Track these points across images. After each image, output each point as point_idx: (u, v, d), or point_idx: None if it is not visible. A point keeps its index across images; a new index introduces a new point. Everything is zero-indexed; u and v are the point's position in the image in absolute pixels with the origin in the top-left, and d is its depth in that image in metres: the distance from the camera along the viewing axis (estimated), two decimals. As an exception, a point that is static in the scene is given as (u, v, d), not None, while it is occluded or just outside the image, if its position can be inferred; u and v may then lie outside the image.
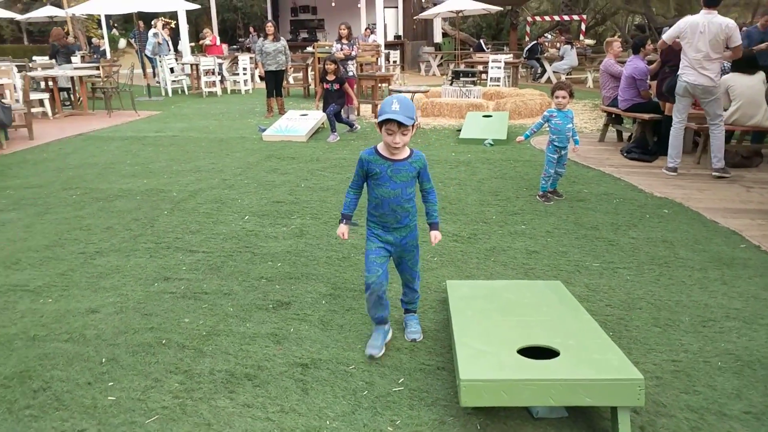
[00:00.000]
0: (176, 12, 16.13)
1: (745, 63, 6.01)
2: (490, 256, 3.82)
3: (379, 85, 10.74)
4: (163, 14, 17.41)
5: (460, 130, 8.16)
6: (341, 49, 9.51)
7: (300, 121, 8.65)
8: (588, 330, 2.43)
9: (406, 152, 2.52)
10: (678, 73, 5.69)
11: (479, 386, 2.00)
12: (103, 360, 2.58)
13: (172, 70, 14.40)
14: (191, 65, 14.97)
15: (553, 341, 2.30)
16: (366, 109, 10.74)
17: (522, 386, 2.00)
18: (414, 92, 8.80)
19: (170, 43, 16.00)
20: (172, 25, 17.85)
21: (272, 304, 3.14)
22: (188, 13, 16.37)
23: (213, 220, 4.59)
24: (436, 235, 2.70)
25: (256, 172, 6.22)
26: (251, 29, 20.13)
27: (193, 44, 17.94)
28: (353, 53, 9.78)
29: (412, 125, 2.39)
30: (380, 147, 2.51)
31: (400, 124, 2.35)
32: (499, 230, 4.32)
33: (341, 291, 3.31)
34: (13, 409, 2.25)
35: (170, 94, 14.00)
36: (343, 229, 2.62)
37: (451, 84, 11.50)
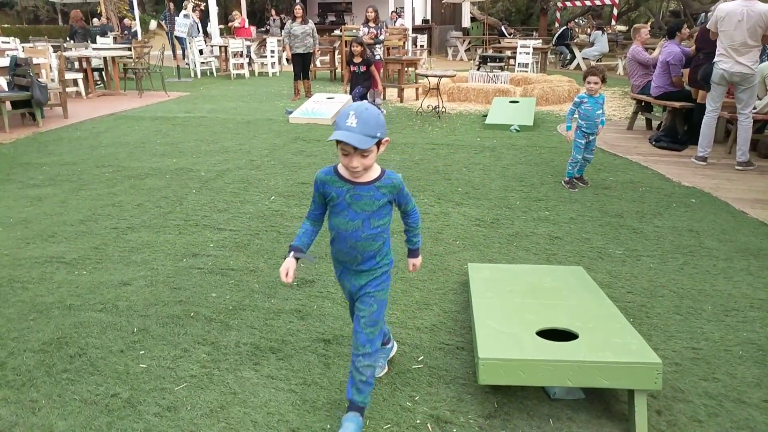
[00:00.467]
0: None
1: None
2: (512, 241, 3.84)
3: (406, 69, 10.71)
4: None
5: (486, 116, 8.11)
6: (368, 32, 9.50)
7: (326, 104, 8.69)
8: (608, 315, 2.45)
9: (373, 173, 1.94)
10: (714, 60, 5.55)
11: (497, 365, 2.05)
12: (135, 330, 2.69)
13: (201, 52, 14.56)
14: (220, 47, 15.11)
15: (572, 324, 2.32)
16: (392, 93, 10.73)
17: (540, 366, 2.03)
18: (440, 76, 8.76)
19: (200, 25, 16.16)
20: (202, 7, 18.00)
21: (296, 281, 3.22)
22: (218, -5, 16.47)
23: (240, 200, 4.69)
24: (414, 263, 2.24)
25: (282, 153, 6.30)
26: (273, 12, 20.10)
27: (222, 26, 18.07)
28: (381, 37, 9.77)
29: (377, 142, 1.84)
30: (340, 166, 1.94)
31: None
32: (522, 215, 4.32)
33: (364, 271, 3.36)
34: (52, 372, 2.37)
35: (199, 75, 14.17)
36: (288, 264, 1.96)
37: (478, 69, 11.40)
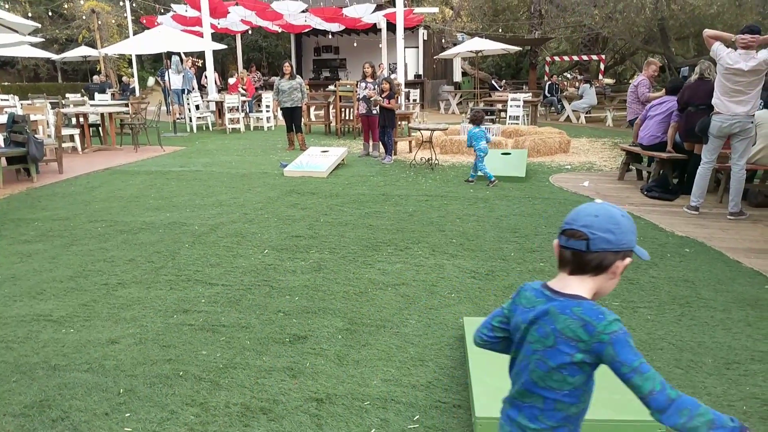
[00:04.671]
0: (204, 51, 16.69)
1: None
2: (508, 294, 3.80)
3: (399, 122, 10.90)
4: (191, 54, 18.04)
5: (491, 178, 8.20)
6: (366, 88, 9.73)
7: (321, 157, 8.79)
8: (607, 370, 2.39)
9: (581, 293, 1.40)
10: (712, 112, 5.62)
11: (495, 424, 1.97)
12: (121, 390, 2.61)
13: (197, 107, 14.83)
14: (216, 102, 15.42)
15: (571, 380, 2.26)
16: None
17: (539, 426, 1.96)
18: (433, 129, 8.91)
19: (194, 80, 16.54)
20: (199, 64, 18.47)
21: (289, 338, 3.15)
22: (215, 52, 16.92)
23: (233, 254, 4.65)
24: None
25: (276, 206, 6.31)
26: (251, 68, 20.37)
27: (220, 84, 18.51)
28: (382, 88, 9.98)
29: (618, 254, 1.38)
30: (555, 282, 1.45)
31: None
32: (517, 267, 4.30)
33: (358, 326, 3.31)
34: (32, 437, 2.27)
35: (195, 130, 14.37)
36: None
37: (470, 122, 11.60)
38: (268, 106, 14.80)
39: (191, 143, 12.07)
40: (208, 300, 3.70)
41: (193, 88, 15.49)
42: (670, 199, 6.52)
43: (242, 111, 14.62)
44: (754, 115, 5.48)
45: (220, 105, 15.30)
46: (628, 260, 1.38)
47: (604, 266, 1.37)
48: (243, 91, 15.68)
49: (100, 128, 12.00)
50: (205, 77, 16.86)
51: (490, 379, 2.28)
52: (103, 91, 16.64)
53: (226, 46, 18.00)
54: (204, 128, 14.94)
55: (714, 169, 6.36)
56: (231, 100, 14.31)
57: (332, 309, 3.55)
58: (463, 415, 2.42)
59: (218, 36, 20.94)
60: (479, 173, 7.60)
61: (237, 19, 18.79)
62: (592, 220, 1.35)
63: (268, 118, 14.92)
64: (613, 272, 1.38)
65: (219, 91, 17.35)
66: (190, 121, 14.49)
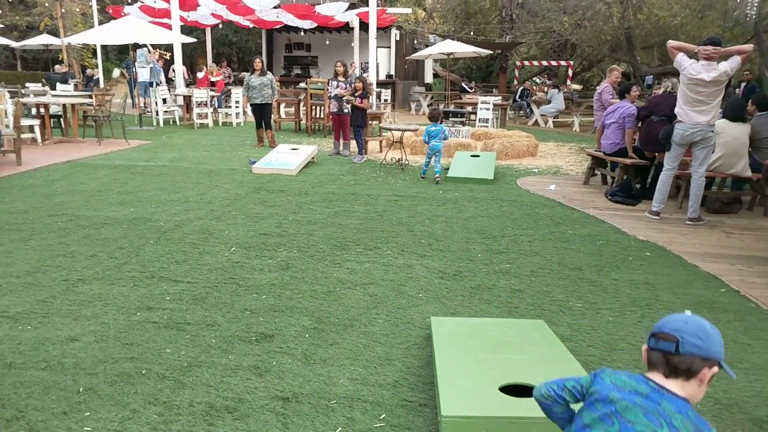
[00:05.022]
0: (172, 44, 16.37)
1: (735, 111, 6.22)
2: (474, 294, 3.84)
3: (370, 122, 10.90)
4: (159, 46, 17.69)
5: (448, 169, 8.27)
6: (337, 87, 9.69)
7: (290, 155, 8.73)
8: (570, 370, 2.45)
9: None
10: (675, 121, 5.79)
11: (460, 423, 2.00)
12: (81, 389, 2.54)
13: (164, 100, 14.54)
14: (184, 96, 15.14)
15: (535, 380, 2.31)
16: (354, 145, 10.86)
17: (503, 423, 2.00)
18: (404, 130, 8.94)
19: (162, 73, 16.22)
20: (167, 57, 18.11)
21: (255, 336, 3.12)
22: (183, 45, 16.61)
23: (199, 251, 4.58)
24: None
25: (244, 203, 6.24)
26: (222, 63, 19.93)
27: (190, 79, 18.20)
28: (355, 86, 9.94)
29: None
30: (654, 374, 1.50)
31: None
32: (484, 268, 4.35)
33: (325, 325, 3.30)
34: (-15, 437, 2.20)
35: (161, 124, 14.08)
36: None
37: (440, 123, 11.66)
38: (237, 102, 14.62)
39: (157, 137, 11.83)
40: (173, 297, 3.64)
41: (161, 81, 15.18)
42: (633, 204, 6.70)
43: (211, 106, 14.40)
44: (714, 125, 5.67)
45: (188, 99, 15.04)
46: (715, 369, 1.44)
47: (693, 371, 1.43)
48: (215, 79, 15.47)
49: (61, 119, 11.65)
50: (173, 70, 16.55)
51: (457, 379, 2.30)
52: (65, 82, 16.15)
53: (195, 40, 17.69)
54: (171, 122, 14.64)
55: (674, 176, 6.57)
56: (200, 94, 14.07)
57: (300, 308, 3.53)
58: (429, 413, 2.44)
59: (187, 29, 20.57)
60: (437, 168, 7.87)
61: (207, 12, 18.47)
62: (681, 326, 1.45)
63: (237, 114, 14.73)
64: (701, 379, 1.44)
65: (187, 85, 17.06)
66: (157, 114, 14.19)
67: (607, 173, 7.82)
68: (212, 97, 14.60)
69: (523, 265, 4.43)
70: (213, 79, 15.73)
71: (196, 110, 13.96)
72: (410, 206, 6.30)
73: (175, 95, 15.26)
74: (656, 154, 6.72)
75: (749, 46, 5.88)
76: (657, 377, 1.47)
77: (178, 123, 14.64)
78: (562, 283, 4.07)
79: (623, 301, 3.78)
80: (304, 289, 3.82)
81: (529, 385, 2.27)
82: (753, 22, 9.00)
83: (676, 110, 5.74)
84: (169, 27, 15.75)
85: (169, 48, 16.87)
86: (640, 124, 7.14)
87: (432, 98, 20.81)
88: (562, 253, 4.77)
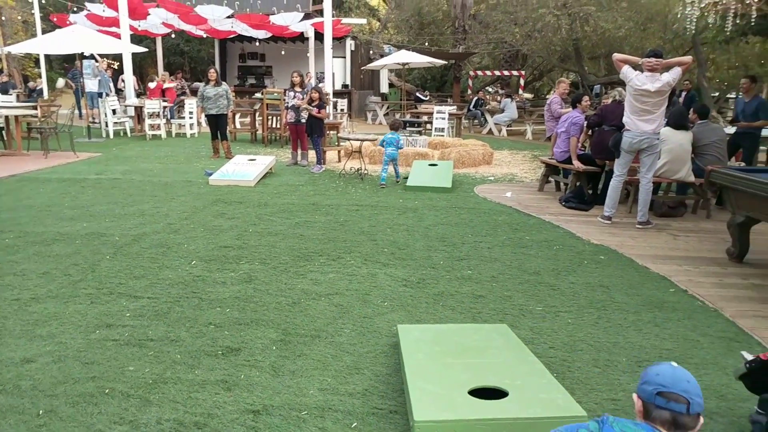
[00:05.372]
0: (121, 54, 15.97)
1: (678, 120, 6.56)
2: (438, 301, 3.91)
3: (328, 132, 10.91)
4: (107, 56, 17.21)
5: (407, 178, 8.37)
6: (294, 97, 9.67)
7: (248, 165, 8.64)
8: (534, 371, 2.53)
9: None
10: (623, 130, 6.05)
11: (432, 427, 2.05)
12: (41, 412, 2.46)
13: (114, 111, 14.15)
14: (134, 107, 14.77)
15: (501, 382, 2.38)
16: (313, 155, 10.85)
17: (474, 426, 2.05)
18: (363, 140, 9.00)
19: (111, 83, 15.77)
20: (115, 66, 17.64)
21: (221, 350, 3.09)
22: (133, 55, 16.23)
23: (158, 265, 4.49)
24: None
25: (202, 216, 6.15)
26: (177, 74, 19.15)
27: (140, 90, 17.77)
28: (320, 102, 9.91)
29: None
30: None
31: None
32: (446, 275, 4.43)
33: (292, 337, 3.29)
34: (-61, 467, 2.10)
35: (111, 135, 13.69)
36: None
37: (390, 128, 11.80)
38: (191, 113, 14.37)
39: (108, 149, 11.49)
40: (134, 314, 3.55)
41: (111, 91, 14.77)
42: (586, 210, 6.94)
43: (163, 117, 14.10)
44: (659, 133, 5.96)
45: (139, 110, 14.68)
46: (702, 420, 1.63)
47: (693, 426, 1.62)
48: (168, 86, 15.21)
49: (3, 132, 11.17)
50: (122, 81, 16.13)
51: (426, 385, 2.35)
52: (6, 92, 15.49)
53: (146, 50, 17.31)
54: (122, 134, 14.26)
55: (624, 182, 6.85)
56: (152, 105, 13.77)
57: (265, 320, 3.51)
58: (400, 420, 2.48)
59: (137, 38, 20.09)
60: (396, 173, 8.48)
61: (158, 21, 18.12)
62: (687, 386, 1.63)
63: (191, 125, 14.48)
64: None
65: (138, 96, 16.66)
66: (107, 126, 13.79)
67: (561, 180, 8.08)
68: (165, 107, 14.31)
69: (484, 271, 4.53)
70: (166, 85, 15.42)
71: (148, 121, 13.64)
72: (371, 215, 6.34)
73: (126, 106, 14.88)
74: (606, 161, 7.00)
75: (688, 58, 6.22)
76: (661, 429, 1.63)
77: (129, 134, 14.27)
78: (522, 288, 4.19)
79: (581, 303, 3.92)
80: (268, 302, 3.80)
81: (498, 388, 2.33)
82: (691, 34, 9.55)
83: (624, 119, 6.00)
84: (118, 36, 15.37)
85: (117, 57, 16.43)
86: (590, 133, 7.42)
87: (388, 108, 20.99)
88: (521, 258, 4.91)
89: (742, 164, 7.71)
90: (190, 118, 14.39)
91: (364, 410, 2.55)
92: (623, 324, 3.60)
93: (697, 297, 4.10)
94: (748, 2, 6.75)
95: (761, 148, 9.23)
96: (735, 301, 4.04)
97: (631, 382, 2.88)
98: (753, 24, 7.56)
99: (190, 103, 14.41)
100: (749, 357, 2.43)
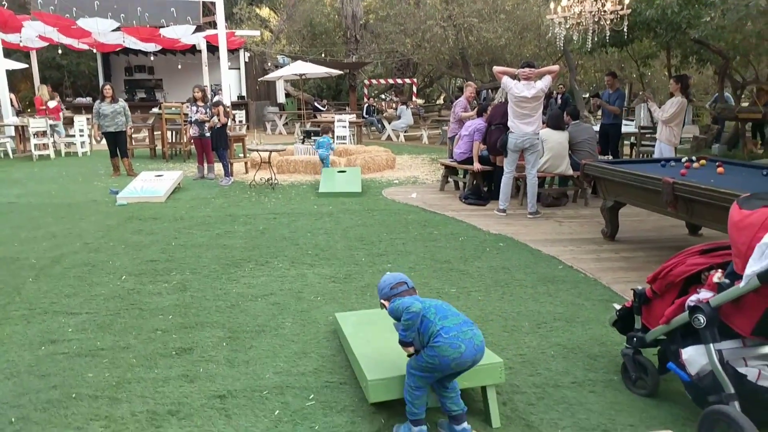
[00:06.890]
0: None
1: (556, 122, 7.51)
2: (366, 292, 4.35)
3: (234, 143, 11.00)
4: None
5: (318, 186, 8.74)
6: (197, 111, 9.70)
7: (156, 181, 8.59)
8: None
9: None
10: (508, 131, 6.85)
11: (383, 383, 2.48)
12: (13, 419, 2.59)
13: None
14: (16, 127, 13.87)
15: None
16: (220, 168, 10.89)
17: (416, 379, 2.50)
18: (272, 151, 9.25)
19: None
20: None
21: (175, 351, 3.32)
22: (7, 72, 15.19)
23: (88, 283, 4.54)
24: None
25: (119, 233, 6.15)
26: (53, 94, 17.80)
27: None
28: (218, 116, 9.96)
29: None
30: None
31: None
32: (369, 270, 4.88)
33: (239, 333, 3.58)
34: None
35: (-7, 158, 12.79)
36: None
37: (302, 143, 12.14)
38: (81, 130, 13.76)
39: (-7, 173, 10.79)
40: (76, 328, 3.66)
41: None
42: (483, 204, 7.71)
43: (52, 135, 13.39)
44: (539, 133, 6.83)
45: (21, 129, 13.81)
46: (386, 303, 2.70)
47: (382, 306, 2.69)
48: (54, 103, 14.43)
49: None
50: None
51: (370, 349, 2.77)
52: None
53: (25, 65, 16.26)
54: (3, 155, 13.36)
55: (514, 178, 7.69)
56: (37, 124, 13.03)
57: (210, 322, 3.76)
58: (350, 389, 2.88)
59: (6, 51, 18.71)
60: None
61: (33, 34, 17.02)
62: (397, 277, 2.77)
63: (82, 143, 13.86)
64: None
65: (17, 114, 15.61)
66: (-15, 148, 12.87)
67: (459, 179, 8.84)
68: (52, 126, 13.58)
69: (402, 263, 5.04)
70: (51, 103, 14.59)
71: (33, 141, 12.90)
72: (289, 222, 6.66)
73: (4, 125, 13.93)
74: (496, 158, 7.83)
75: (556, 67, 7.25)
76: None
77: (11, 156, 13.41)
78: (436, 275, 4.74)
79: (487, 283, 4.53)
80: (208, 306, 4.04)
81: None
82: (562, 42, 10.85)
83: (509, 123, 6.84)
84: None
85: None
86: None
87: (287, 118, 21.16)
88: (432, 250, 5.47)
89: (610, 157, 8.89)
90: (81, 135, 13.78)
91: (318, 385, 2.92)
92: (523, 296, 4.25)
93: (581, 271, 4.86)
94: (602, 24, 7.96)
95: (624, 142, 10.68)
96: (610, 271, 4.85)
97: (533, 340, 3.49)
98: (608, 38, 8.88)
99: (80, 121, 13.80)
100: (618, 307, 3.09)
